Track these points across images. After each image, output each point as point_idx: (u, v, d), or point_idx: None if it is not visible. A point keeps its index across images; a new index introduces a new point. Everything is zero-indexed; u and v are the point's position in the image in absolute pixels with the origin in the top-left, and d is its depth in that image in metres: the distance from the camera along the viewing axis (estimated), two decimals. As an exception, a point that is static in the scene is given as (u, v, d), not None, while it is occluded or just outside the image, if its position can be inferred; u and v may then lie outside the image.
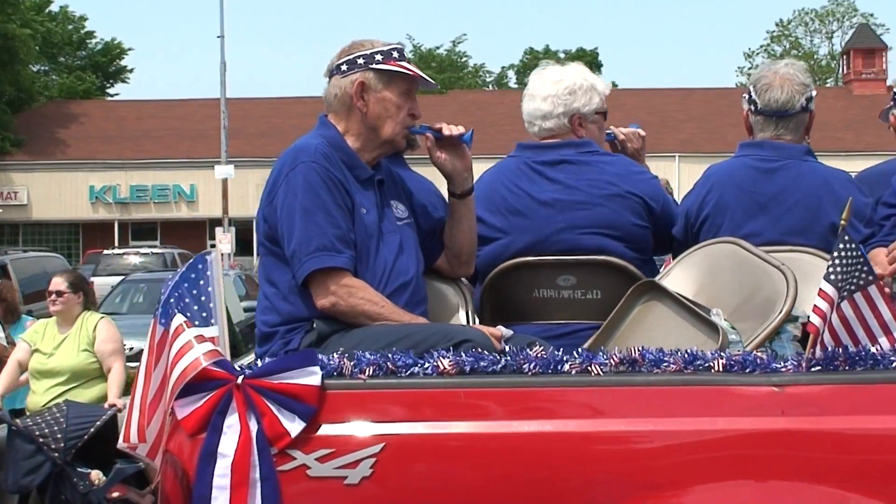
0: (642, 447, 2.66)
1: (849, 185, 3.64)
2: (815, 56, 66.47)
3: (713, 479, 2.62)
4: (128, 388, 7.80)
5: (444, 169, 3.51)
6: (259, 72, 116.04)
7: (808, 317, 2.87)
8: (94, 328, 7.15)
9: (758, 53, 69.50)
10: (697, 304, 3.20)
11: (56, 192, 44.82)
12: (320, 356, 2.76)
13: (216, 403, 2.68)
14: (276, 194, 3.24)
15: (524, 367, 2.74)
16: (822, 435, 2.64)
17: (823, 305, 2.70)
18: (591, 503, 2.62)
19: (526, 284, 3.66)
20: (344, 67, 3.37)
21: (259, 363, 2.85)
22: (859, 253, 2.76)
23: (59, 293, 7.16)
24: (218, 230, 33.03)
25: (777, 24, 69.81)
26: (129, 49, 62.50)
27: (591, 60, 59.01)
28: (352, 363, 2.75)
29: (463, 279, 3.66)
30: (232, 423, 2.66)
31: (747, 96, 3.74)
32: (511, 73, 70.54)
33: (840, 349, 2.72)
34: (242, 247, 38.42)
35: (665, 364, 2.73)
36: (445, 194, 3.59)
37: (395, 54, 3.37)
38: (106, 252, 30.33)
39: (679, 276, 3.45)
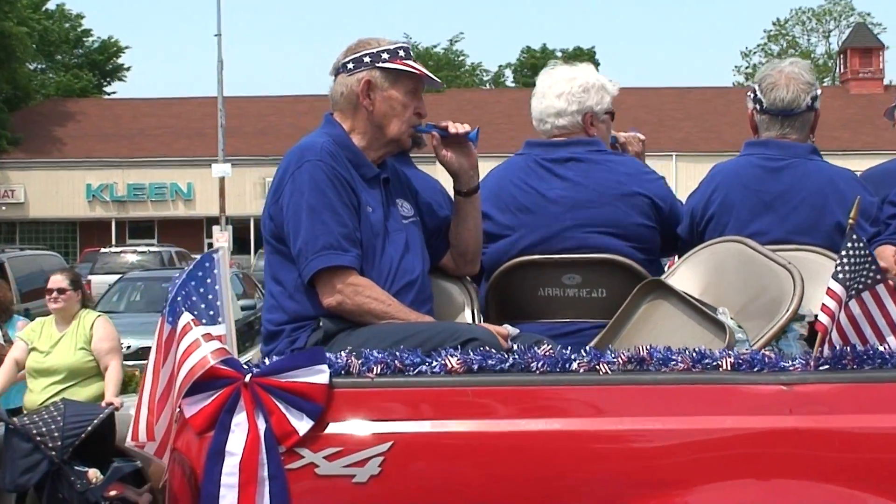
0: (651, 446, 2.65)
1: (854, 183, 3.64)
2: (813, 55, 66.45)
3: (722, 478, 2.62)
4: (125, 387, 7.82)
5: (451, 167, 3.50)
6: (256, 70, 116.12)
7: (815, 315, 2.88)
8: (90, 326, 7.15)
9: (755, 53, 69.63)
10: (704, 302, 3.20)
11: (53, 191, 44.79)
12: (328, 354, 2.76)
13: (224, 402, 2.67)
14: (282, 193, 3.23)
15: (532, 365, 2.73)
16: (831, 434, 2.64)
17: (832, 304, 2.70)
18: (600, 502, 2.62)
19: (531, 283, 3.66)
20: (350, 66, 3.36)
21: (267, 361, 2.84)
22: (867, 252, 2.76)
23: (62, 290, 7.16)
24: (215, 228, 33.03)
25: (774, 24, 69.93)
26: (126, 47, 62.63)
27: (589, 59, 58.80)
28: (359, 361, 2.75)
29: (467, 277, 3.66)
30: (240, 422, 2.66)
31: (752, 95, 3.73)
32: (508, 72, 70.63)
33: (848, 348, 2.72)
34: (239, 245, 38.41)
35: (673, 363, 2.73)
36: (451, 192, 3.59)
37: (402, 53, 3.36)
38: (103, 250, 30.30)
39: (685, 274, 3.45)
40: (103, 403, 6.68)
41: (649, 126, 40.79)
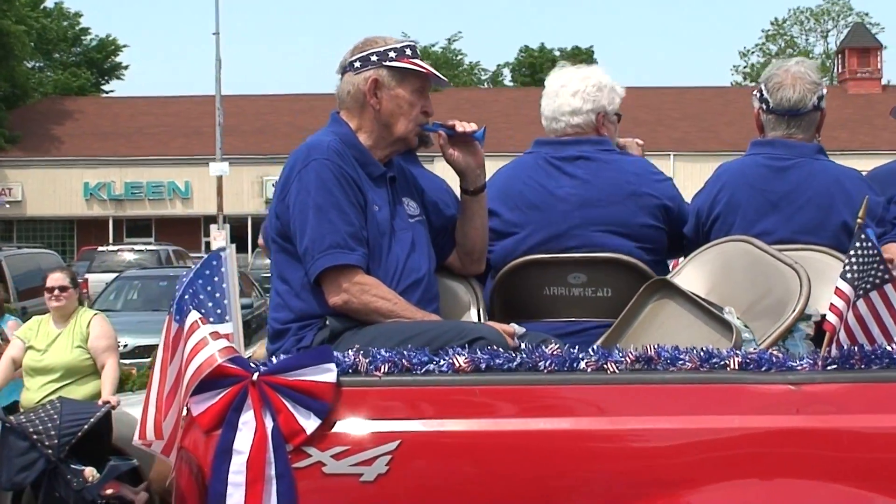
0: (658, 445, 2.65)
1: (861, 183, 3.64)
2: (811, 55, 66.48)
3: (729, 478, 2.62)
4: (122, 385, 7.81)
5: (457, 166, 3.50)
6: (254, 69, 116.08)
7: (822, 315, 2.88)
8: (87, 325, 7.15)
9: (753, 52, 69.75)
10: (710, 302, 3.19)
11: (50, 189, 44.73)
12: (335, 353, 2.76)
13: (231, 400, 2.67)
14: (289, 191, 3.23)
15: (539, 364, 2.73)
16: (838, 433, 2.64)
17: (840, 303, 2.70)
18: (607, 501, 2.62)
19: (536, 282, 3.66)
20: (357, 64, 3.36)
21: (273, 360, 2.84)
22: (875, 251, 2.75)
23: (63, 288, 7.17)
24: (213, 227, 32.97)
25: (772, 23, 69.99)
26: (124, 45, 62.68)
27: (587, 59, 58.96)
28: (367, 360, 2.74)
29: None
30: (247, 420, 2.66)
31: (758, 94, 3.73)
32: (506, 71, 70.58)
33: (856, 347, 2.72)
34: (237, 244, 38.29)
35: (681, 362, 2.73)
36: (457, 191, 3.58)
37: (409, 52, 3.36)
38: (100, 249, 30.25)
39: (691, 274, 3.45)
40: (100, 402, 6.66)
41: (647, 125, 40.85)
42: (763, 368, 2.70)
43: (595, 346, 2.85)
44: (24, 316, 11.26)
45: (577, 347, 2.80)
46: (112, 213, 45.53)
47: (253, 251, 31.65)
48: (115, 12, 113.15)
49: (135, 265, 24.40)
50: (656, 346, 2.76)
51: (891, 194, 3.67)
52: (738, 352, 2.76)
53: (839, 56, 55.05)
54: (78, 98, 52.91)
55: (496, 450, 2.66)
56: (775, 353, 2.75)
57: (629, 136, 4.19)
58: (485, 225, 3.56)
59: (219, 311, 2.87)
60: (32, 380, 7.08)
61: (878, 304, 2.76)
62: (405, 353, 2.76)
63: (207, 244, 38.62)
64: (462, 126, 3.47)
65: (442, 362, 2.74)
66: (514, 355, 2.77)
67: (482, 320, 3.47)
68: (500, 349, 2.82)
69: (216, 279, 2.90)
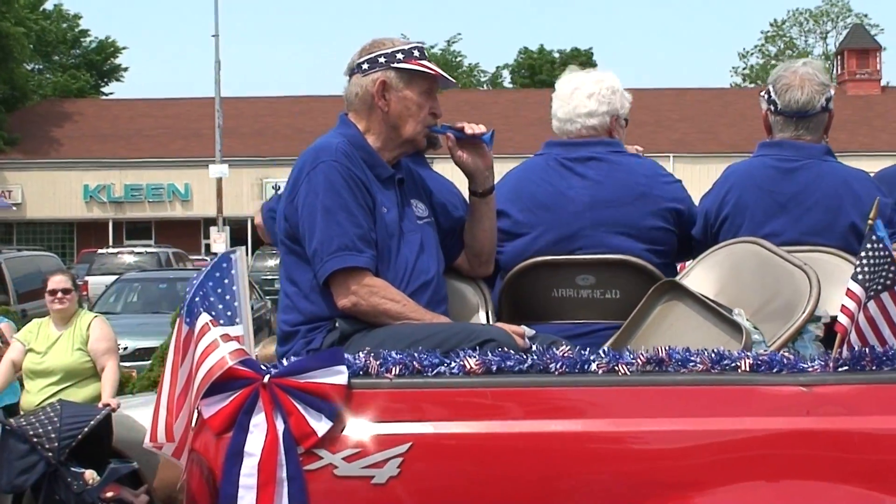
0: (670, 447, 2.65)
1: (869, 185, 3.64)
2: (810, 56, 66.47)
3: (740, 479, 2.62)
4: (122, 388, 7.80)
5: (466, 168, 3.50)
6: (254, 71, 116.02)
7: (832, 317, 2.87)
8: (87, 327, 7.15)
9: (752, 54, 69.83)
10: (719, 303, 3.19)
11: (50, 191, 44.73)
12: (346, 355, 2.75)
13: (242, 402, 2.67)
14: (298, 193, 3.22)
15: (551, 366, 2.73)
16: (849, 435, 2.64)
17: (851, 305, 2.70)
18: (619, 503, 2.62)
19: (545, 284, 3.65)
20: (365, 66, 3.36)
21: (284, 362, 2.83)
22: (886, 253, 2.75)
23: (66, 290, 7.18)
24: (212, 229, 32.99)
25: (771, 24, 70.00)
26: (124, 47, 62.70)
27: (586, 60, 59.02)
28: (378, 362, 2.74)
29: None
30: (258, 422, 2.65)
31: (766, 96, 3.72)
32: (506, 73, 70.61)
33: (867, 349, 2.72)
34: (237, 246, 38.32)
35: (692, 364, 2.73)
36: (466, 193, 3.58)
37: (417, 53, 3.35)
38: (100, 251, 30.25)
39: (700, 275, 3.45)
40: (100, 404, 6.67)
41: (646, 127, 40.85)
42: (774, 370, 2.70)
43: (605, 348, 2.85)
44: (25, 319, 11.26)
45: (587, 349, 2.79)
46: (112, 215, 45.53)
47: (253, 253, 31.61)
48: (114, 14, 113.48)
49: (135, 267, 24.37)
50: (667, 348, 2.76)
51: (899, 195, 3.67)
52: (749, 353, 2.75)
53: (838, 57, 55.05)
54: (77, 100, 52.90)
55: (508, 452, 2.65)
56: (786, 354, 2.75)
57: (628, 136, 4.20)
58: (493, 227, 3.56)
59: (229, 313, 2.86)
60: (32, 382, 7.09)
61: (889, 306, 2.76)
62: (416, 355, 2.76)
63: (207, 246, 38.63)
64: (471, 128, 3.47)
65: (453, 364, 2.74)
66: (525, 357, 2.76)
67: (490, 322, 3.47)
68: (511, 351, 2.81)
69: (226, 281, 2.90)
